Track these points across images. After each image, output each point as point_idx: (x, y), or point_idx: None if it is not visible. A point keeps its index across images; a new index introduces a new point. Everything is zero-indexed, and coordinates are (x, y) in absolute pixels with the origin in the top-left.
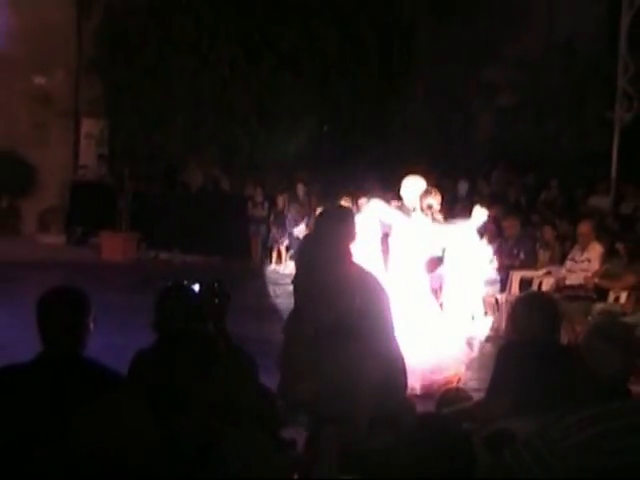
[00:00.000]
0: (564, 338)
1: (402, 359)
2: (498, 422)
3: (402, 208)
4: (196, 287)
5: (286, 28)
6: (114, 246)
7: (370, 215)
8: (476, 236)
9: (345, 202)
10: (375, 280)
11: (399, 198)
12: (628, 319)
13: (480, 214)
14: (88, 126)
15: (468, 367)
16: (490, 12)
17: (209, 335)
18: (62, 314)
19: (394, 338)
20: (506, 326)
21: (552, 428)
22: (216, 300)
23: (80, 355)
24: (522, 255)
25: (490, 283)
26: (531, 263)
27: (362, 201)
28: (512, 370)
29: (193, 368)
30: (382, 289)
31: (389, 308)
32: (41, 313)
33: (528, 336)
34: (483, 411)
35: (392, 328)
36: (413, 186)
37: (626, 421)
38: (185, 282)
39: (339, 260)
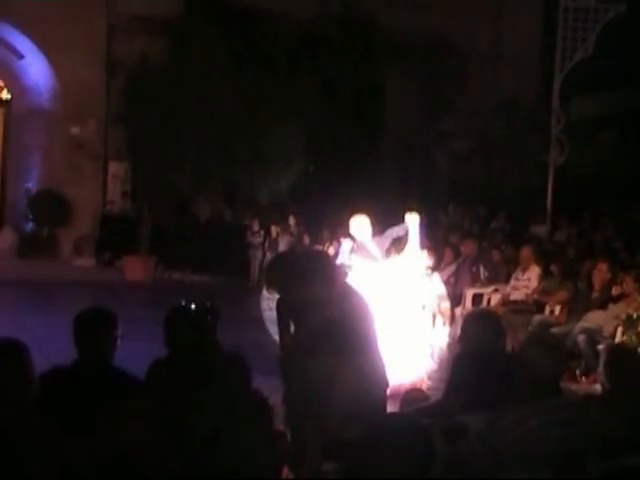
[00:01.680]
0: (509, 344)
1: (383, 373)
2: (454, 417)
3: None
4: (192, 307)
5: (278, 87)
6: (135, 268)
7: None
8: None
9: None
10: (360, 298)
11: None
12: (561, 329)
13: (412, 219)
14: (114, 168)
15: (430, 372)
16: (447, 72)
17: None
18: (94, 330)
19: (377, 354)
20: (459, 336)
21: (499, 422)
22: (208, 317)
23: (109, 364)
24: (483, 272)
25: (444, 298)
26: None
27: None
28: (464, 374)
29: (196, 378)
30: (366, 307)
31: (371, 325)
32: (77, 329)
33: (476, 344)
34: (441, 408)
35: (375, 344)
36: (358, 224)
37: (560, 415)
38: (184, 303)
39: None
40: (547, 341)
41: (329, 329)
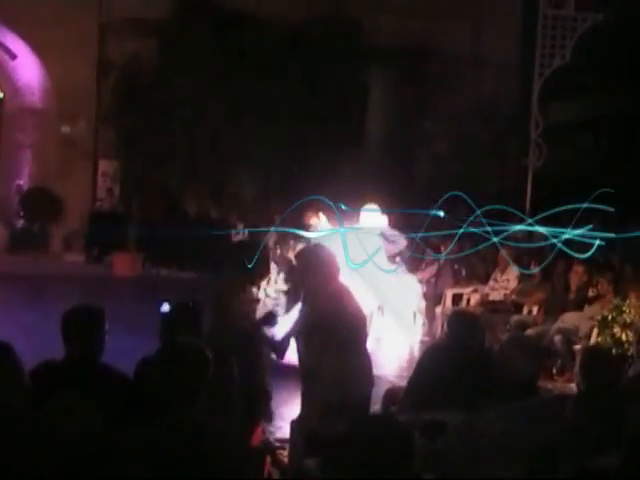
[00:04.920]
0: (487, 343)
1: (369, 373)
2: (432, 413)
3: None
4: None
5: (264, 88)
6: (123, 264)
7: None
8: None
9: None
10: (352, 298)
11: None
12: (538, 329)
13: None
14: (104, 166)
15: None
16: (429, 75)
17: (199, 348)
18: (82, 328)
19: (364, 354)
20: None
21: (477, 419)
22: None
23: (96, 361)
24: (462, 271)
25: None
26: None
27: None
28: (433, 368)
29: (185, 376)
30: (358, 308)
31: (362, 326)
32: (64, 326)
33: (452, 340)
34: (401, 404)
35: (363, 344)
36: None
37: (537, 414)
38: (189, 302)
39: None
40: (525, 342)
41: (319, 321)
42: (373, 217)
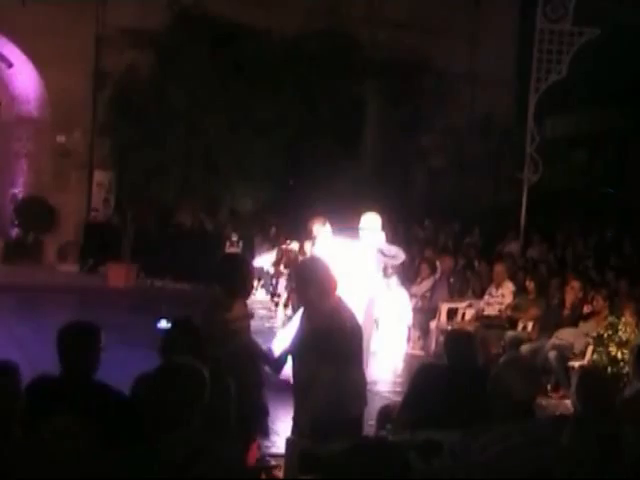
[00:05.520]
0: (481, 359)
1: (363, 391)
2: (427, 433)
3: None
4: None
5: (260, 101)
6: (118, 274)
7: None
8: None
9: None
10: (351, 315)
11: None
12: (533, 345)
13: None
14: (99, 177)
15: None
16: (425, 90)
17: (196, 369)
18: (77, 346)
19: (359, 371)
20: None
21: (474, 441)
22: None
23: (91, 378)
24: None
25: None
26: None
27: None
28: (428, 387)
29: (181, 397)
30: (356, 325)
31: (358, 343)
32: (60, 343)
33: (448, 360)
34: (396, 422)
35: (358, 362)
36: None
37: (534, 436)
38: (186, 317)
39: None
40: (522, 364)
41: (315, 336)
42: (373, 229)
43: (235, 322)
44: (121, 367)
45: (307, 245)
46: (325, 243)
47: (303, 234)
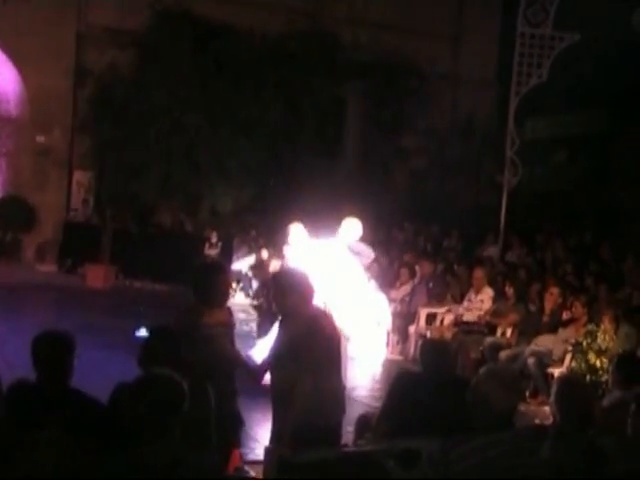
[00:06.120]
0: (460, 364)
1: (342, 398)
2: (405, 442)
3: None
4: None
5: (241, 101)
6: (96, 275)
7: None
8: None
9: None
10: (331, 322)
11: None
12: (512, 351)
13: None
14: (79, 176)
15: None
16: (407, 91)
17: (175, 380)
18: (51, 355)
19: (337, 378)
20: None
21: (453, 451)
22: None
23: (66, 385)
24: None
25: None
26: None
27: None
28: (405, 396)
29: (160, 408)
30: (335, 332)
31: (337, 350)
32: (35, 352)
33: (425, 369)
34: (375, 431)
35: (337, 369)
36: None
37: (512, 446)
38: (164, 325)
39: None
40: (503, 375)
41: (294, 344)
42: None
43: (210, 328)
44: (99, 369)
45: (285, 250)
46: (302, 248)
47: (281, 236)
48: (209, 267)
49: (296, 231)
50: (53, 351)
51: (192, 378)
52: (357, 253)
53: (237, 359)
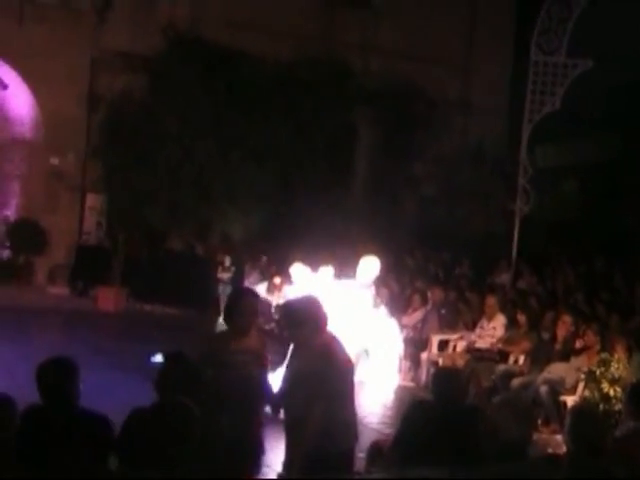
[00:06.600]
0: (472, 391)
1: (354, 426)
2: (418, 470)
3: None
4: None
5: (252, 127)
6: (107, 298)
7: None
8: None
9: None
10: (342, 350)
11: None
12: (524, 379)
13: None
14: (91, 200)
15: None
16: (417, 119)
17: (189, 408)
18: (56, 382)
19: (350, 406)
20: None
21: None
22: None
23: (73, 408)
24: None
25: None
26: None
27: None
28: (418, 424)
29: (173, 435)
30: (347, 360)
31: (350, 378)
32: (40, 379)
33: (437, 399)
34: (387, 459)
35: (350, 397)
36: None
37: (523, 477)
38: (178, 351)
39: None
40: (516, 405)
41: (307, 372)
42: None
43: (237, 354)
44: (109, 392)
45: (286, 288)
46: (305, 287)
47: (291, 263)
48: (236, 292)
49: (297, 271)
50: (57, 378)
51: (207, 404)
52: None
53: (260, 387)
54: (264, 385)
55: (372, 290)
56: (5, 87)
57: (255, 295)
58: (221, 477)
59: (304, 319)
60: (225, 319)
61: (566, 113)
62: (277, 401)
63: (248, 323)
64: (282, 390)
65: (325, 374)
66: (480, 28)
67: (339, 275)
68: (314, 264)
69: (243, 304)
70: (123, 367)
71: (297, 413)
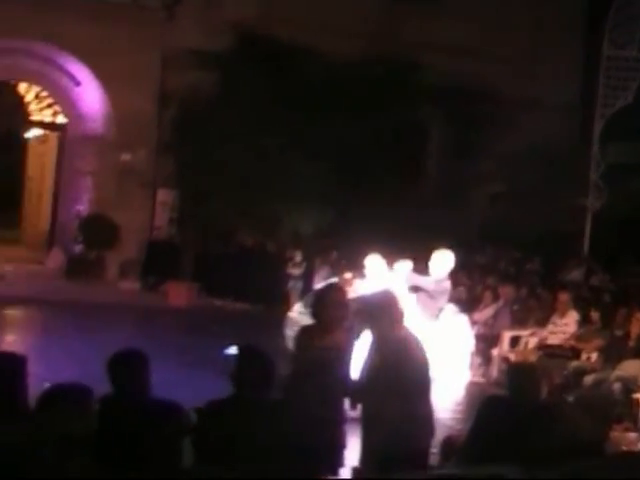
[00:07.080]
0: (544, 388)
1: (431, 421)
2: (491, 467)
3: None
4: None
5: (320, 124)
6: (178, 293)
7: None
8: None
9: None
10: (419, 346)
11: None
12: (597, 376)
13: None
14: (162, 195)
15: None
16: (485, 117)
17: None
18: (126, 373)
19: (427, 401)
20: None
21: (539, 476)
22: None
23: (143, 398)
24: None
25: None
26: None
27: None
28: (492, 421)
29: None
30: (423, 355)
31: (426, 374)
32: (111, 370)
33: (512, 394)
34: (461, 455)
35: (426, 392)
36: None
37: (602, 474)
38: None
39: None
40: (595, 403)
41: (385, 367)
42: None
43: (322, 350)
44: (181, 386)
45: (357, 282)
46: (379, 280)
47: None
48: (324, 288)
49: (373, 263)
50: (128, 370)
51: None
52: (431, 297)
53: (340, 385)
54: (345, 380)
55: (448, 284)
56: (78, 84)
57: (338, 292)
58: (302, 473)
59: (380, 314)
60: (313, 316)
61: (638, 108)
62: (355, 396)
63: (336, 320)
64: (359, 385)
65: (401, 370)
66: (548, 23)
67: (416, 270)
68: (388, 258)
69: (329, 301)
70: (194, 362)
71: (374, 409)
